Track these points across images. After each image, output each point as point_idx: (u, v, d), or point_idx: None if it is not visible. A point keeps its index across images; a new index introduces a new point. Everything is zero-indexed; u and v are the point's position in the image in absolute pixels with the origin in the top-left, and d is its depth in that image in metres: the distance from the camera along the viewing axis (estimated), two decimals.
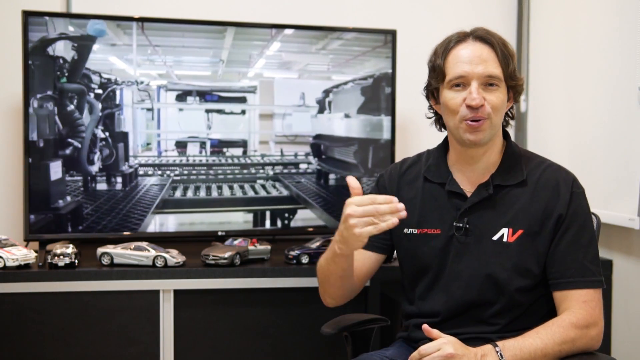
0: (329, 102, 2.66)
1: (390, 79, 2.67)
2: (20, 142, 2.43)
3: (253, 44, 2.59)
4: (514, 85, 1.63)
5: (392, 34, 2.67)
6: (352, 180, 1.51)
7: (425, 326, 1.51)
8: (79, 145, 2.45)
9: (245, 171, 2.62)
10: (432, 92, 1.68)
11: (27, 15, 2.36)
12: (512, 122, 1.74)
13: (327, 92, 2.66)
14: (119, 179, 2.50)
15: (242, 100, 2.60)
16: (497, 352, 1.47)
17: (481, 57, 1.58)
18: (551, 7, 2.82)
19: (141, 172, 2.52)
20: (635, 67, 2.27)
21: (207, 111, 2.58)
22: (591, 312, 1.54)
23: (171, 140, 2.56)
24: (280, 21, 2.65)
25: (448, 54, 1.61)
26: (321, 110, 2.66)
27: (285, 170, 2.65)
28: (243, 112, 2.61)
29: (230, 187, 2.60)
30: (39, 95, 2.38)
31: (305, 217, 2.67)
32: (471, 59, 1.58)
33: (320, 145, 2.67)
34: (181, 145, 2.57)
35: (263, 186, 2.64)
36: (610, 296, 2.45)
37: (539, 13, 2.90)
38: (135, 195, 2.51)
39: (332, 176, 2.69)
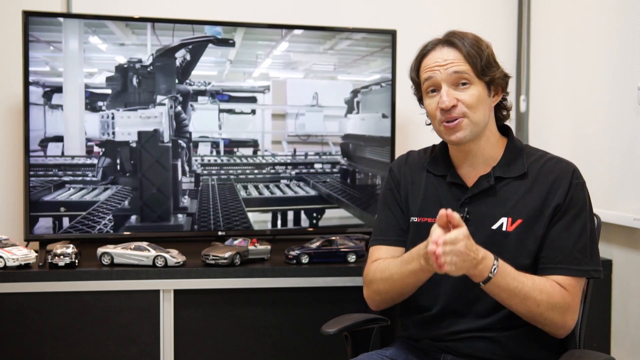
0: (357, 102, 2.67)
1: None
2: (21, 142, 2.43)
3: (259, 44, 2.59)
4: (491, 79, 1.64)
5: (392, 34, 2.67)
6: (454, 216, 1.46)
7: (445, 211, 1.46)
8: (185, 146, 2.52)
9: (263, 170, 2.64)
10: (420, 101, 1.74)
11: (27, 15, 2.36)
12: (510, 116, 1.76)
13: (355, 92, 2.67)
14: (192, 179, 2.56)
15: (253, 100, 2.60)
16: (494, 265, 1.49)
17: (446, 60, 1.62)
18: (551, 7, 2.82)
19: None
20: (635, 67, 2.27)
21: (221, 111, 2.58)
22: (571, 297, 1.57)
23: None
24: (279, 22, 2.64)
25: (420, 65, 1.68)
26: (350, 111, 2.67)
27: (304, 170, 2.66)
28: (253, 111, 2.61)
29: (256, 187, 2.63)
30: (160, 98, 2.46)
31: (337, 215, 2.69)
32: (437, 63, 1.63)
33: (349, 144, 2.68)
34: (193, 146, 2.57)
35: (288, 185, 2.66)
36: (610, 296, 2.45)
37: (540, 13, 2.90)
38: (214, 194, 2.58)
39: (357, 175, 2.70)
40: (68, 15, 2.51)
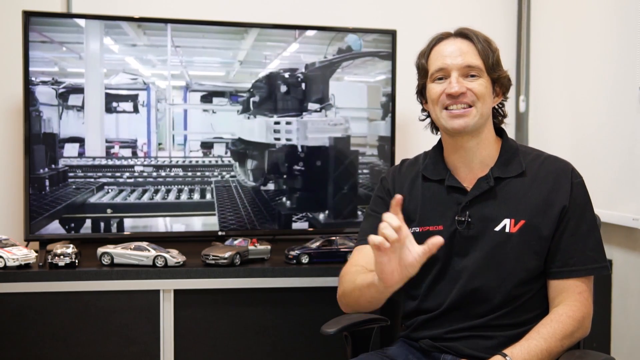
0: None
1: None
2: (21, 142, 2.43)
3: (268, 45, 2.59)
4: (498, 78, 1.66)
5: (392, 34, 2.67)
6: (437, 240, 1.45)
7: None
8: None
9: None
10: (421, 91, 1.73)
11: (28, 16, 2.36)
12: (506, 121, 1.76)
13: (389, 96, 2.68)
14: None
15: None
16: None
17: (460, 50, 1.64)
18: (551, 7, 2.82)
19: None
20: (635, 67, 2.27)
21: (239, 112, 2.57)
22: (585, 303, 1.59)
23: (196, 141, 2.56)
24: (276, 22, 2.65)
25: (430, 52, 1.68)
26: (386, 114, 2.69)
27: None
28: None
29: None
30: (313, 106, 2.58)
31: None
32: (451, 52, 1.64)
33: (384, 146, 2.70)
34: (207, 146, 2.57)
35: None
36: (610, 296, 2.45)
37: (539, 13, 2.90)
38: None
39: None
40: (67, 15, 2.51)
